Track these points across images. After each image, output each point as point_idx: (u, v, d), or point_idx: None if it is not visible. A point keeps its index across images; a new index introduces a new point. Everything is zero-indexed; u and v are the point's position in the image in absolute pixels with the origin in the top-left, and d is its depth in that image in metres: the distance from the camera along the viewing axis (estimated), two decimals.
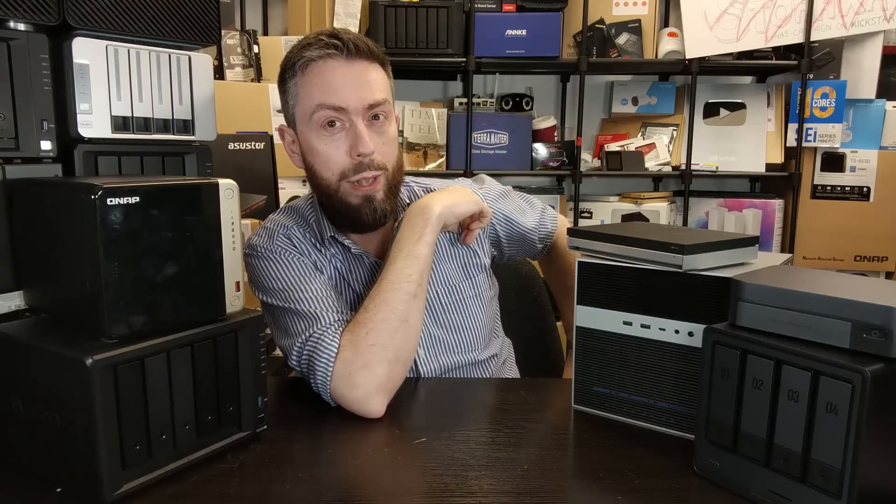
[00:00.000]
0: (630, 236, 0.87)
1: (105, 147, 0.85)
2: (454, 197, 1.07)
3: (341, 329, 0.96)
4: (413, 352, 0.98)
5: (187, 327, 0.75)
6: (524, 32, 2.49)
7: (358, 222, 1.06)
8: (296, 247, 1.08)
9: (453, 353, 1.15)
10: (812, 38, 2.49)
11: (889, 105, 2.58)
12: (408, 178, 1.22)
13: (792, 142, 2.61)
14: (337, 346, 0.94)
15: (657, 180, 2.95)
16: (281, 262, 1.05)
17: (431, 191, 1.18)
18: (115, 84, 0.84)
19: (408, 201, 1.14)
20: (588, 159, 2.79)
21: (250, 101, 2.44)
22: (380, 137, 1.04)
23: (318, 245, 1.10)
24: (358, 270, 1.12)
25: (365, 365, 0.91)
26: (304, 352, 0.96)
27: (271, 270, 1.05)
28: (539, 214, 1.29)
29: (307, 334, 0.97)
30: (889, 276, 2.60)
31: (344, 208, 1.05)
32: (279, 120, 2.51)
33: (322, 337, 0.95)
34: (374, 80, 1.03)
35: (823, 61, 2.59)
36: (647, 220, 2.61)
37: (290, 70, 1.04)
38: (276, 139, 2.31)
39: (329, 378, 0.92)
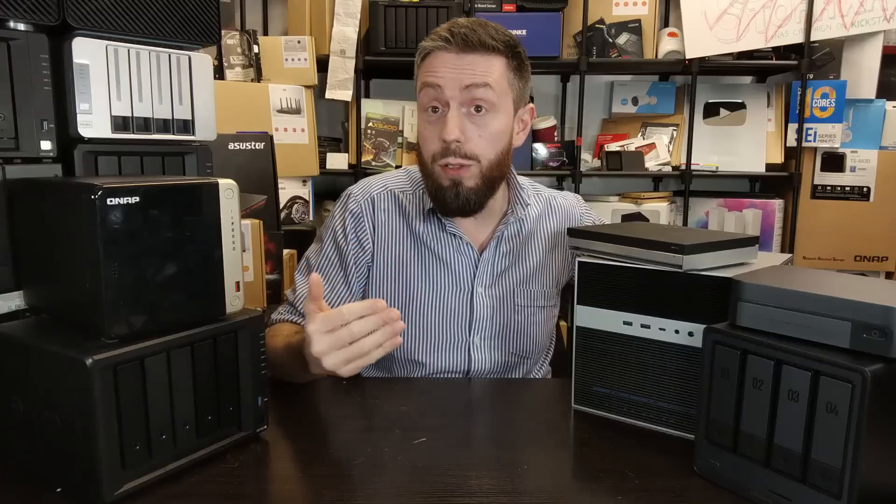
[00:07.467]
0: (630, 236, 0.87)
1: (105, 147, 0.85)
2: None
3: (287, 314, 1.17)
4: None
5: (187, 327, 0.75)
6: (524, 32, 2.48)
7: (442, 204, 1.11)
8: (374, 215, 1.17)
9: (509, 352, 1.18)
10: (812, 38, 2.49)
11: (889, 105, 2.57)
12: (524, 180, 1.27)
13: (792, 142, 2.60)
14: (275, 321, 1.17)
15: (657, 180, 2.94)
16: (337, 230, 1.18)
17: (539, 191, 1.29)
18: (114, 84, 0.84)
19: (517, 202, 1.20)
20: (588, 159, 2.78)
21: (250, 101, 2.44)
22: (477, 129, 1.07)
23: (417, 212, 1.18)
24: (447, 245, 1.17)
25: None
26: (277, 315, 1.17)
27: (328, 230, 1.20)
28: None
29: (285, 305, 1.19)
30: (889, 276, 2.60)
31: (434, 189, 1.12)
32: (279, 120, 2.53)
33: (280, 310, 1.19)
34: (480, 69, 1.05)
35: (823, 61, 2.59)
36: (647, 220, 2.60)
37: (417, 57, 1.12)
38: (277, 140, 2.31)
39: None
